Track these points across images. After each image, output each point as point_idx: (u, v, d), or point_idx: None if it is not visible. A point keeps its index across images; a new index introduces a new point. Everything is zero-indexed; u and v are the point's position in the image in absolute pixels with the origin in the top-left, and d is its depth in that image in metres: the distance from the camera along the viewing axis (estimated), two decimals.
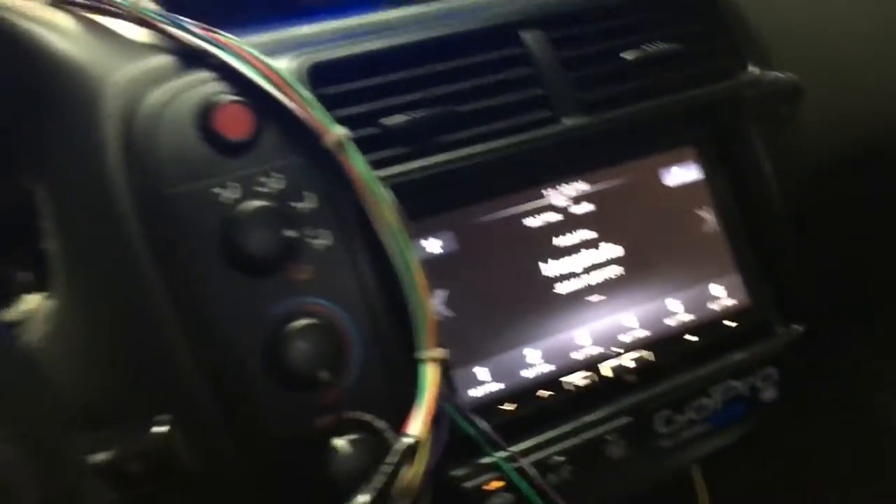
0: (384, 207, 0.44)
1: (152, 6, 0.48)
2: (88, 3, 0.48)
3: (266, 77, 0.44)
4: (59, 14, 0.49)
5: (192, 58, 0.45)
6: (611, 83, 0.53)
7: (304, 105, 0.44)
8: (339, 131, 0.44)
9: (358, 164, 0.44)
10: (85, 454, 0.38)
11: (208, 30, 0.46)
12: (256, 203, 0.43)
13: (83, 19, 0.49)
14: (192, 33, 0.46)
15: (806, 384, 0.55)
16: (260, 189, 0.43)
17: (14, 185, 0.49)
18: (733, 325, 0.55)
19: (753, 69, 0.56)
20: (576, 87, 0.52)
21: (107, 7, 0.47)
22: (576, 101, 0.52)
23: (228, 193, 0.43)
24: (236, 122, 0.44)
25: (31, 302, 0.47)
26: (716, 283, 0.55)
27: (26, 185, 0.49)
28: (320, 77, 0.47)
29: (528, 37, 0.52)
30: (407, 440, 0.42)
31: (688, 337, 0.53)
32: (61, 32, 0.47)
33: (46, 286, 0.47)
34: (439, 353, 0.44)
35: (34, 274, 0.50)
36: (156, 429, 0.39)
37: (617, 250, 0.53)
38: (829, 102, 0.60)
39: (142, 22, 0.47)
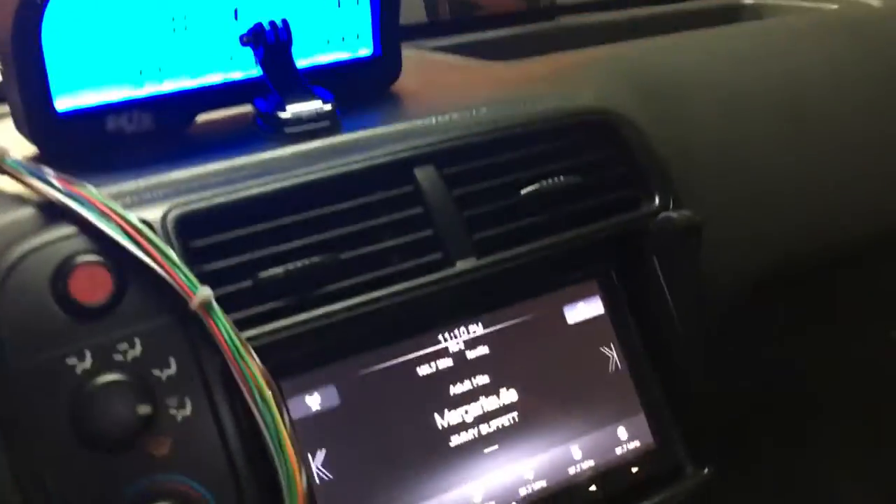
0: (252, 373, 0.42)
1: (26, 153, 0.46)
2: None
3: (127, 234, 0.42)
4: None
5: (54, 212, 0.43)
6: (506, 221, 0.51)
7: (167, 265, 0.42)
8: (203, 293, 0.42)
9: (223, 327, 0.42)
10: None
11: (70, 182, 0.43)
12: (110, 376, 0.40)
13: None
14: (53, 186, 0.43)
15: None
16: (117, 357, 0.41)
17: None
18: (637, 470, 0.52)
19: (656, 201, 0.54)
20: (469, 226, 0.50)
21: None
22: (469, 242, 0.50)
23: (82, 363, 0.40)
24: (93, 285, 0.41)
25: None
26: (620, 425, 0.53)
27: None
28: (190, 228, 0.44)
29: (421, 174, 0.50)
30: None
31: (591, 487, 0.51)
32: None
33: None
34: None
35: None
36: None
37: (514, 395, 0.50)
38: (738, 226, 0.59)
39: (3, 172, 0.44)
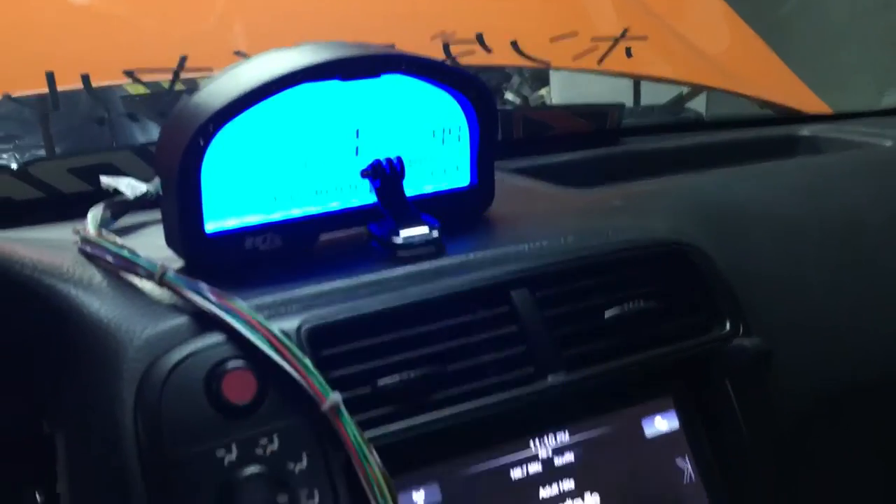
0: (373, 471, 0.47)
1: (177, 267, 0.53)
2: (120, 263, 0.54)
3: (270, 343, 0.49)
4: (92, 270, 0.55)
5: (206, 321, 0.50)
6: (592, 340, 0.57)
7: (303, 371, 0.48)
8: (333, 398, 0.48)
9: (350, 429, 0.48)
10: None
11: (221, 295, 0.50)
12: (254, 468, 0.46)
13: (113, 277, 0.54)
14: (207, 298, 0.50)
15: None
16: (258, 451, 0.47)
17: (38, 429, 0.53)
18: None
19: (727, 326, 0.60)
20: (559, 344, 0.56)
21: (136, 269, 0.53)
22: (559, 359, 0.55)
23: (229, 455, 0.46)
24: (242, 388, 0.48)
25: None
26: None
27: (48, 430, 0.53)
28: (320, 339, 0.51)
29: (516, 296, 0.57)
30: None
31: None
32: (93, 291, 0.52)
33: None
34: None
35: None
36: None
37: (597, 500, 0.55)
38: (802, 351, 0.64)
39: (164, 285, 0.52)
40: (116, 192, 0.67)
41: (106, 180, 0.69)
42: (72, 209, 0.63)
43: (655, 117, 1.25)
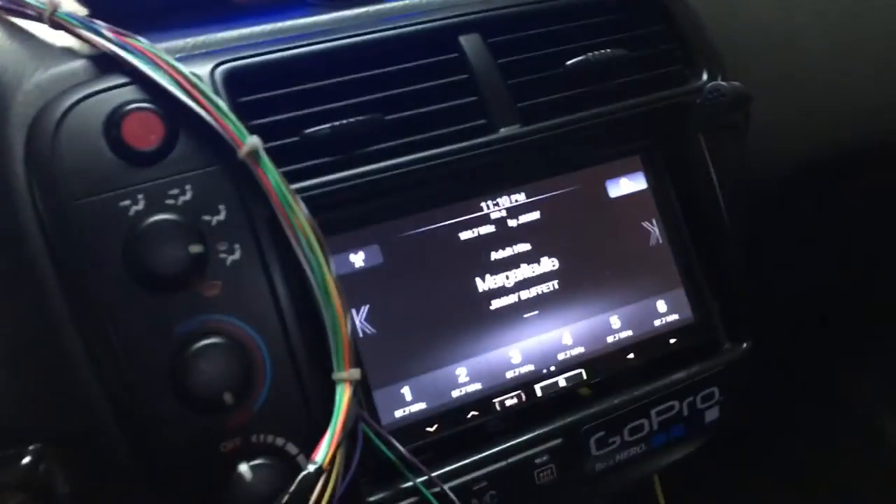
0: (299, 221, 0.42)
1: (73, 8, 0.46)
2: (5, 3, 0.47)
3: (179, 84, 0.43)
4: None
5: (105, 63, 0.44)
6: (551, 91, 0.51)
7: (217, 114, 0.42)
8: (252, 142, 0.42)
9: (271, 175, 0.42)
10: None
11: (123, 34, 0.44)
12: (163, 216, 0.41)
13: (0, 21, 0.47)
14: (106, 38, 0.44)
15: (749, 404, 0.54)
16: (168, 202, 0.42)
17: None
18: (676, 342, 0.53)
19: (704, 77, 0.54)
20: (514, 94, 0.50)
21: (22, 9, 0.46)
22: (514, 110, 0.50)
23: (135, 206, 0.41)
24: (146, 132, 0.42)
25: None
26: (660, 298, 0.53)
27: None
28: (239, 84, 0.45)
29: (466, 41, 0.50)
30: (312, 466, 0.40)
31: (629, 356, 0.52)
32: None
33: None
34: (354, 373, 0.42)
35: None
36: (24, 460, 0.38)
37: (555, 264, 0.51)
38: (787, 109, 0.58)
39: (57, 25, 0.45)
40: None
41: None
42: None
43: None
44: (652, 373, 0.52)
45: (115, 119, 0.42)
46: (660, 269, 0.53)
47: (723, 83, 0.51)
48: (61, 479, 0.38)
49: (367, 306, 0.47)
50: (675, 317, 0.53)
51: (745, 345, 0.54)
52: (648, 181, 0.54)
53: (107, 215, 0.41)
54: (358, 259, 0.47)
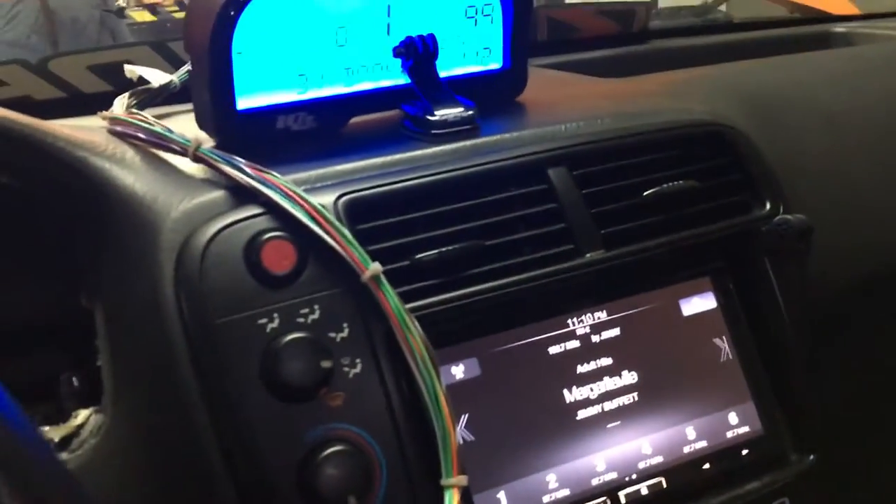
0: (415, 340, 0.47)
1: (209, 144, 0.52)
2: (152, 139, 0.53)
3: (309, 215, 0.48)
4: (125, 147, 0.54)
5: (243, 194, 0.49)
6: (630, 219, 0.56)
7: (343, 242, 0.48)
8: (374, 268, 0.47)
9: (391, 298, 0.47)
10: None
11: (258, 169, 0.50)
12: (296, 334, 0.46)
13: (146, 154, 0.53)
14: (244, 172, 0.50)
15: None
16: (300, 320, 0.47)
17: (77, 304, 0.53)
18: (747, 453, 0.56)
19: (767, 206, 0.59)
20: (597, 222, 0.55)
21: (169, 144, 0.52)
22: (598, 236, 0.55)
23: (271, 324, 0.46)
24: (281, 257, 0.47)
25: (82, 416, 0.50)
26: (731, 411, 0.57)
27: (86, 304, 0.53)
28: (357, 213, 0.50)
29: (553, 174, 0.56)
30: None
31: (704, 466, 0.55)
32: (127, 167, 0.52)
33: (98, 402, 0.50)
34: (462, 480, 0.46)
35: (89, 390, 0.54)
36: None
37: (634, 377, 0.55)
38: (842, 234, 0.63)
39: (199, 160, 0.51)
40: (140, 81, 0.66)
41: (130, 68, 0.67)
42: (93, 110, 0.61)
43: (683, 19, 1.21)
44: (726, 482, 0.55)
45: (254, 246, 0.47)
46: (730, 383, 0.57)
47: (789, 216, 0.56)
48: None
49: (467, 415, 0.51)
50: (745, 429, 0.57)
51: (811, 457, 0.57)
52: (718, 300, 0.58)
53: (246, 332, 0.46)
54: (459, 371, 0.52)
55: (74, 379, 0.57)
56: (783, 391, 0.58)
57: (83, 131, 0.56)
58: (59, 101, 0.79)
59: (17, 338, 0.55)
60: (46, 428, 0.50)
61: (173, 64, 0.75)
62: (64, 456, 0.48)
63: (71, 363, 0.57)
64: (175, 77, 0.65)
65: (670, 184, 0.57)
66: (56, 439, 0.49)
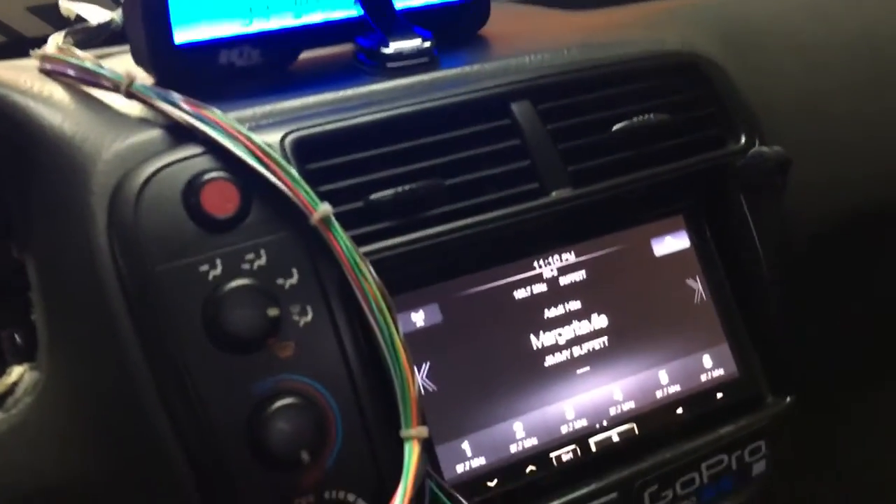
0: (369, 284, 0.44)
1: (145, 81, 0.49)
2: (82, 76, 0.49)
3: (253, 154, 0.45)
4: (53, 86, 0.50)
5: (181, 133, 0.46)
6: (599, 155, 0.53)
7: (290, 182, 0.45)
8: (324, 209, 0.44)
9: (342, 241, 0.44)
10: None
11: (197, 105, 0.46)
12: (240, 281, 0.43)
13: (76, 92, 0.49)
14: (182, 109, 0.46)
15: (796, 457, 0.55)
16: (245, 266, 0.44)
17: (8, 253, 0.50)
18: (722, 396, 0.54)
19: (742, 140, 0.56)
20: (564, 159, 0.52)
21: (100, 81, 0.48)
22: (564, 174, 0.52)
23: (213, 271, 0.43)
24: (222, 199, 0.44)
25: (16, 373, 0.47)
26: (705, 353, 0.55)
27: (17, 255, 0.49)
28: (306, 152, 0.47)
29: (517, 109, 0.52)
30: None
31: (677, 410, 0.53)
32: (54, 105, 0.48)
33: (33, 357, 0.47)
34: (423, 431, 0.44)
35: (25, 344, 0.51)
36: None
37: (604, 321, 0.53)
38: (819, 171, 0.61)
39: (133, 97, 0.47)
40: (79, 19, 0.61)
41: (66, 5, 0.63)
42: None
43: None
44: (700, 427, 0.53)
45: (193, 188, 0.44)
46: (704, 324, 0.55)
47: (765, 148, 0.53)
48: None
49: (428, 364, 0.48)
50: (720, 371, 0.55)
51: (788, 399, 0.55)
52: (692, 240, 0.56)
53: (187, 280, 0.43)
54: (419, 318, 0.49)
55: (17, 335, 0.54)
56: (759, 333, 0.56)
57: (10, 71, 0.52)
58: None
59: None
60: None
61: (117, 2, 0.70)
62: None
63: (13, 319, 0.54)
64: (115, 15, 0.61)
65: (641, 117, 0.54)
66: None
